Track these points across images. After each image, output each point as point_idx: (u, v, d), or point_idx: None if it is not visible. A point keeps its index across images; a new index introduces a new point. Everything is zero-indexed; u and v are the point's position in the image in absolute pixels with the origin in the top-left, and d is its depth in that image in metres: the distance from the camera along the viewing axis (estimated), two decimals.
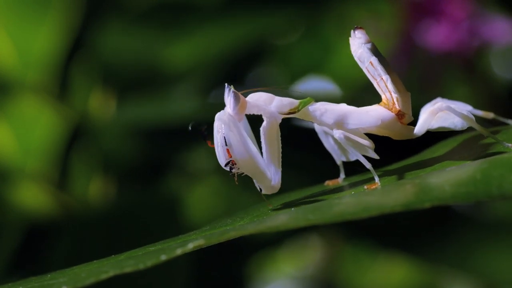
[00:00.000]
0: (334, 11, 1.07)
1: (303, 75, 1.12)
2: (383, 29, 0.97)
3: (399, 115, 0.50)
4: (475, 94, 0.97)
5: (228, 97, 0.49)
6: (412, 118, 0.51)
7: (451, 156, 0.49)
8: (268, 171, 0.49)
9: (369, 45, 0.50)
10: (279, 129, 0.49)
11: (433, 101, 0.52)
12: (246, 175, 0.49)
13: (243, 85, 1.10)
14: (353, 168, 0.53)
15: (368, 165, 0.48)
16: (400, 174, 0.49)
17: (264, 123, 0.49)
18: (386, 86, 0.50)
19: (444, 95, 0.53)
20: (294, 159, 0.87)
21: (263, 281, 1.17)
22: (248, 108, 0.49)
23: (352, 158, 0.52)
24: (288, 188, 0.55)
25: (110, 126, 0.98)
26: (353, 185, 0.50)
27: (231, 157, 0.48)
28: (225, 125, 0.48)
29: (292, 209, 0.47)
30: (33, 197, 0.95)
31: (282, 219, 0.42)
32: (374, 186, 0.47)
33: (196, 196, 1.03)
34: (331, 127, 0.50)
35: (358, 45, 0.50)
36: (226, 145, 0.48)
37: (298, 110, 0.50)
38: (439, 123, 0.49)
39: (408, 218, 0.89)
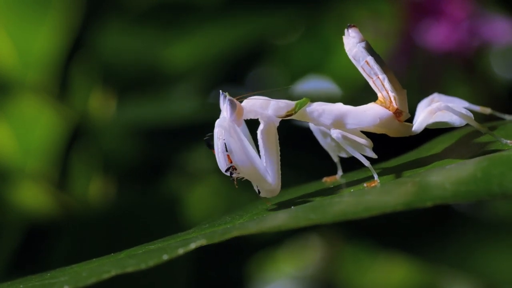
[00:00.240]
0: (334, 11, 1.07)
1: (303, 75, 1.12)
2: (383, 29, 0.97)
3: (396, 113, 0.50)
4: (475, 94, 0.97)
5: (224, 105, 0.49)
6: (409, 116, 0.51)
7: (449, 153, 0.49)
8: (268, 175, 0.49)
9: (363, 44, 0.50)
10: (277, 133, 0.49)
11: (430, 97, 0.52)
12: (246, 179, 0.49)
13: (243, 85, 1.10)
14: (351, 164, 0.53)
15: (366, 163, 0.48)
16: (399, 171, 0.49)
17: (261, 127, 0.49)
18: (383, 85, 0.50)
19: None
20: (293, 159, 0.87)
21: (263, 281, 1.17)
22: (244, 113, 0.49)
23: (351, 154, 0.52)
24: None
25: (110, 126, 0.98)
26: (351, 182, 0.50)
27: (231, 162, 0.48)
28: (226, 131, 0.48)
29: (292, 207, 0.47)
30: (33, 197, 0.95)
31: (283, 219, 0.42)
32: (373, 184, 0.47)
33: (196, 196, 1.03)
34: (329, 127, 0.50)
35: (353, 44, 0.50)
36: (226, 151, 0.48)
37: (295, 112, 0.50)
38: (437, 120, 0.49)
39: (408, 218, 0.89)
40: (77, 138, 0.97)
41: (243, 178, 0.49)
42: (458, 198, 0.37)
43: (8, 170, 0.96)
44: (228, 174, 0.48)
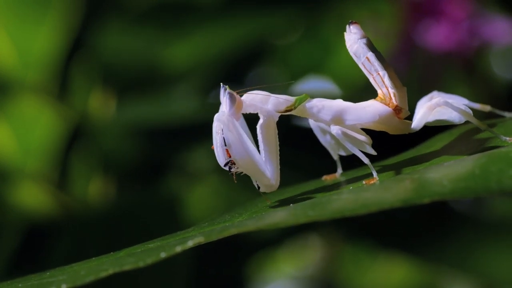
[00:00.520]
0: (334, 11, 1.07)
1: (303, 75, 1.12)
2: (383, 29, 0.97)
3: (396, 110, 0.50)
4: (475, 94, 0.97)
5: (224, 98, 0.49)
6: (409, 113, 0.51)
7: (448, 150, 0.49)
8: (267, 169, 0.49)
9: (364, 40, 0.50)
10: (276, 128, 0.49)
11: (430, 95, 0.52)
12: (245, 174, 0.49)
13: (243, 85, 1.10)
14: (350, 162, 0.53)
15: (366, 160, 0.48)
16: (398, 169, 0.49)
17: (261, 122, 0.49)
18: (383, 81, 0.50)
19: None
20: (292, 158, 0.87)
21: (263, 281, 1.17)
22: (244, 107, 0.49)
23: (350, 152, 0.52)
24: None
25: (110, 126, 0.98)
26: (351, 180, 0.50)
27: (230, 157, 0.48)
28: (224, 125, 0.48)
29: (291, 205, 0.47)
30: (33, 197, 0.95)
31: (281, 216, 0.42)
32: (372, 181, 0.47)
33: (196, 196, 1.03)
34: (329, 123, 0.50)
35: (354, 40, 0.51)
36: (225, 145, 0.48)
37: (295, 108, 0.50)
38: (436, 117, 0.49)
39: (408, 218, 0.89)
40: (77, 138, 0.97)
41: (242, 173, 0.49)
42: (456, 194, 0.37)
43: (8, 170, 0.96)
44: (226, 168, 0.48)
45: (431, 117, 0.49)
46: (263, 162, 0.49)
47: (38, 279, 0.45)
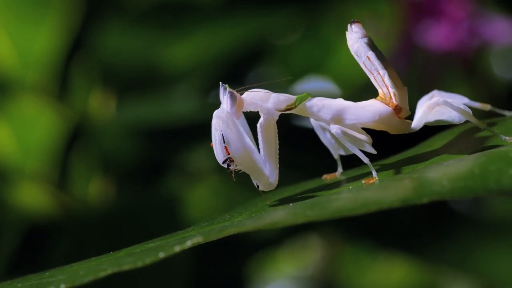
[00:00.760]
0: (334, 11, 1.07)
1: (303, 75, 1.12)
2: (383, 29, 0.97)
3: (396, 109, 0.50)
4: (475, 94, 0.97)
5: (225, 96, 0.49)
6: (409, 113, 0.51)
7: (448, 149, 0.49)
8: (266, 168, 0.49)
9: (365, 40, 0.50)
10: (276, 126, 0.49)
11: (430, 94, 0.52)
12: (244, 173, 0.49)
13: (243, 85, 1.09)
14: (350, 162, 0.53)
15: (365, 159, 0.48)
16: (398, 168, 0.49)
17: (261, 120, 0.49)
18: (383, 81, 0.50)
19: None
20: (292, 158, 0.87)
21: (263, 281, 1.17)
22: (245, 105, 0.49)
23: (350, 151, 0.52)
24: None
25: (110, 126, 0.98)
26: (350, 179, 0.50)
27: (229, 154, 0.48)
28: (223, 122, 0.48)
29: (290, 204, 0.47)
30: (33, 197, 0.95)
31: (280, 215, 0.42)
32: (372, 181, 0.47)
33: (196, 196, 1.03)
34: (329, 122, 0.50)
35: (355, 39, 0.51)
36: (224, 142, 0.48)
37: (295, 106, 0.50)
38: (436, 117, 0.49)
39: (409, 218, 0.89)
40: (77, 138, 0.97)
41: (240, 170, 0.49)
42: (455, 194, 0.37)
43: (8, 170, 0.96)
44: (225, 166, 0.48)
45: (431, 117, 0.49)
46: (262, 160, 0.49)
47: (37, 279, 0.45)
